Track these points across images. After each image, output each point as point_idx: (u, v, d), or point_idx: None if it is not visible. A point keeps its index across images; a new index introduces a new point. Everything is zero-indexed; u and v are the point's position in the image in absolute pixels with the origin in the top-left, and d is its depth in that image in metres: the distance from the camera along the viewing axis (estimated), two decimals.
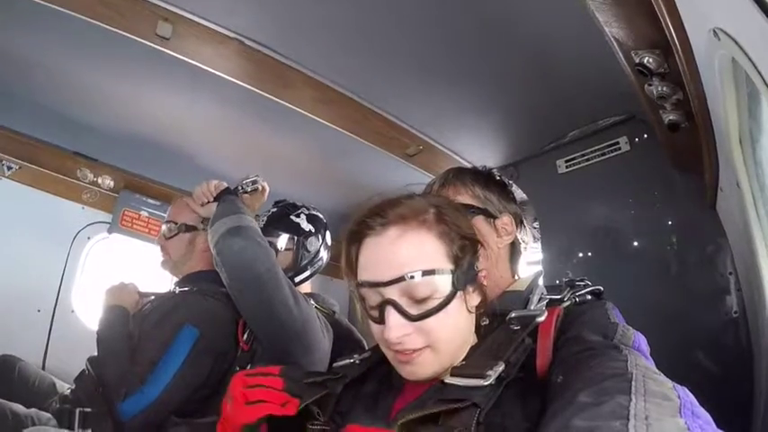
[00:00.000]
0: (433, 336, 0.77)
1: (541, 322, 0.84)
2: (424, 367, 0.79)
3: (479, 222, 1.14)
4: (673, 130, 1.46)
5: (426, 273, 0.76)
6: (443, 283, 0.77)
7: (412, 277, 0.75)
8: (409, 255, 0.78)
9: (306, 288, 1.79)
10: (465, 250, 0.81)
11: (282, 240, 1.75)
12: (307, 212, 1.82)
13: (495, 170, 1.30)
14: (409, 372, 0.79)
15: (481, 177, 1.25)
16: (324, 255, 1.84)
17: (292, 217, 1.79)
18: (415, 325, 0.76)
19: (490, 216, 1.18)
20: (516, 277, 1.19)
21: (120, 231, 2.47)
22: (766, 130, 1.07)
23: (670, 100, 1.34)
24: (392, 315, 0.77)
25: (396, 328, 0.76)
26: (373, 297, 0.80)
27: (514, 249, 1.22)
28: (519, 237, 1.22)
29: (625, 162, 1.93)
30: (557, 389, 0.69)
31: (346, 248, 0.86)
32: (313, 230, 1.80)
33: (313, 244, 1.78)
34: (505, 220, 1.19)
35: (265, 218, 1.79)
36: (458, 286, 0.78)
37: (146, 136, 2.30)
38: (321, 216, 1.86)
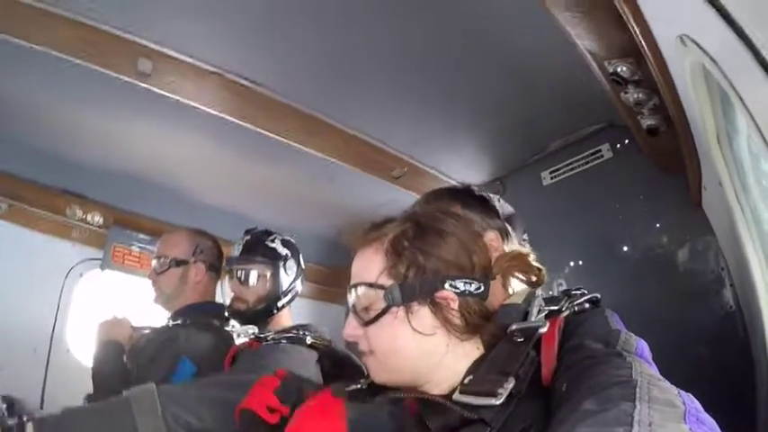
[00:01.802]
0: (371, 343, 0.83)
1: (544, 333, 0.83)
2: (374, 372, 0.86)
3: None
4: (652, 134, 1.49)
5: (363, 284, 0.85)
6: (376, 296, 0.83)
7: (354, 286, 0.86)
8: (359, 269, 0.88)
9: (287, 319, 1.74)
10: (416, 268, 0.83)
11: (261, 267, 1.68)
12: (280, 237, 1.77)
13: (474, 186, 1.28)
14: (370, 374, 0.88)
15: (460, 195, 1.23)
16: (299, 281, 1.78)
17: (268, 242, 1.74)
18: (364, 330, 0.84)
19: None
20: (511, 291, 1.18)
21: (112, 267, 2.44)
22: (741, 130, 1.10)
23: (647, 106, 1.37)
24: (350, 316, 0.87)
25: (348, 327, 0.87)
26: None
27: None
28: (507, 251, 1.22)
29: (609, 169, 1.96)
30: (561, 397, 0.69)
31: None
32: (289, 254, 1.75)
33: (291, 268, 1.73)
34: (491, 236, 1.17)
35: (241, 246, 1.72)
36: (390, 302, 0.82)
37: (133, 171, 2.30)
38: (294, 241, 1.81)
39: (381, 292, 0.82)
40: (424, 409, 0.79)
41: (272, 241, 1.74)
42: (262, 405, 0.82)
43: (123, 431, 1.29)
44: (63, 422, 1.32)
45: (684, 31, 0.86)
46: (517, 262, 0.95)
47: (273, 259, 1.71)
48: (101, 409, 1.40)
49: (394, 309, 0.81)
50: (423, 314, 0.82)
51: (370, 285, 0.84)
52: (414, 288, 0.82)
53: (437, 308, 0.82)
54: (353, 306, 0.86)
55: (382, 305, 0.82)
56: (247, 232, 1.77)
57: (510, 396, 0.70)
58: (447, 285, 0.82)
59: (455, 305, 0.82)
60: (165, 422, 1.29)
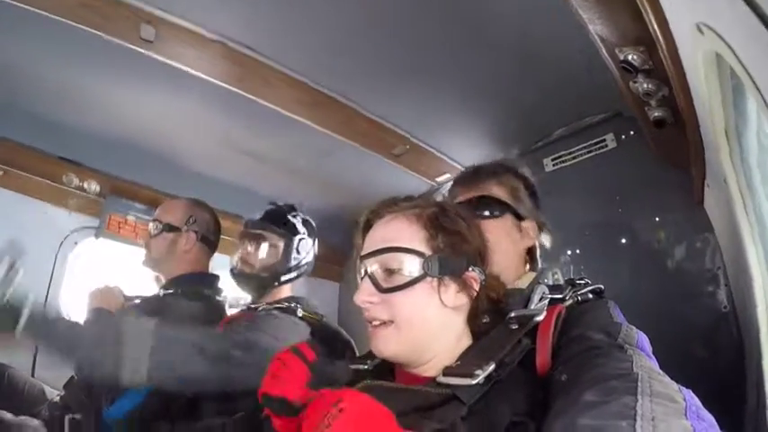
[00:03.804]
0: (394, 311, 0.83)
1: (540, 321, 0.87)
2: (386, 343, 0.84)
3: (507, 219, 1.18)
4: (659, 126, 1.46)
5: (399, 249, 0.84)
6: (413, 262, 0.83)
7: (387, 250, 0.85)
8: (392, 233, 0.87)
9: (286, 291, 1.76)
10: (452, 246, 0.85)
11: (275, 237, 1.72)
12: (302, 216, 1.82)
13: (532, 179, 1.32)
14: (376, 347, 0.86)
15: (522, 178, 1.29)
16: (310, 260, 1.82)
17: (289, 216, 1.78)
18: (383, 296, 0.84)
19: (518, 217, 1.21)
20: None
21: (107, 236, 2.43)
22: (752, 125, 1.07)
23: (655, 96, 1.35)
24: (365, 282, 0.86)
25: (363, 293, 0.85)
26: (362, 270, 0.88)
27: (530, 254, 1.26)
28: (537, 244, 1.26)
29: (612, 159, 1.94)
30: (561, 387, 0.70)
31: (361, 235, 0.95)
32: (306, 234, 1.79)
33: (304, 247, 1.77)
34: (530, 225, 1.22)
35: (262, 213, 1.77)
36: (428, 271, 0.83)
37: (131, 139, 2.28)
38: (313, 224, 1.85)
39: (417, 259, 0.83)
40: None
41: (294, 217, 1.78)
42: (295, 393, 0.83)
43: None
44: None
45: (702, 18, 0.84)
46: (497, 283, 0.97)
47: (289, 233, 1.74)
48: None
49: (429, 278, 0.83)
50: (451, 289, 0.85)
51: (409, 251, 0.84)
52: (451, 263, 0.84)
53: (464, 286, 0.85)
54: (372, 273, 0.86)
55: (415, 273, 0.83)
56: (272, 203, 1.81)
57: (488, 378, 0.73)
58: (471, 269, 0.86)
59: (477, 287, 0.87)
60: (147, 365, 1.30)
